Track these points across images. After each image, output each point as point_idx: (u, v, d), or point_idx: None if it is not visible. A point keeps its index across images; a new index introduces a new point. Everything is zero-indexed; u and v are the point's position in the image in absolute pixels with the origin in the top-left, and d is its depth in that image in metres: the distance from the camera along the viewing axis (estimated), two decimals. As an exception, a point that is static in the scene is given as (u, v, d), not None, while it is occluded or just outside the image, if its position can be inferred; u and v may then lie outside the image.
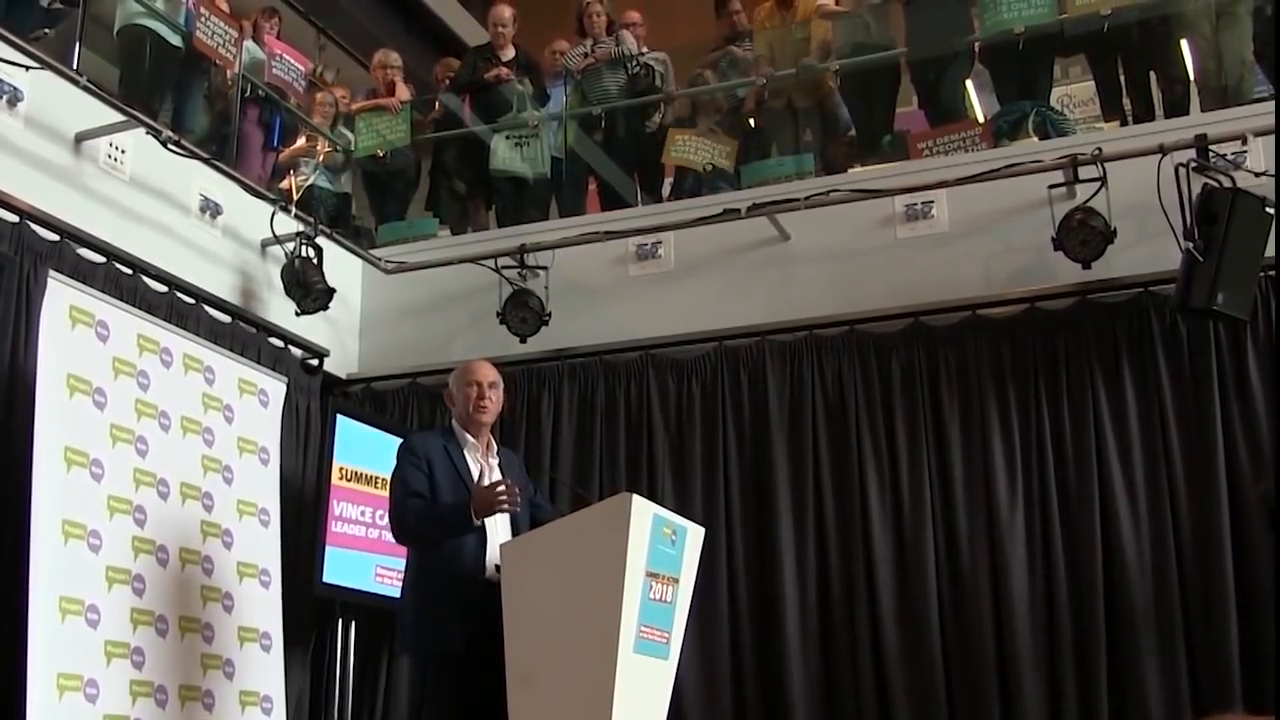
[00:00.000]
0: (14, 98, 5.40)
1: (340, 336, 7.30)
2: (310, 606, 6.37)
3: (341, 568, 6.30)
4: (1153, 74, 6.91)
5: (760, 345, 6.53)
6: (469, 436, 4.85)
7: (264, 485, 6.10)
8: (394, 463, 4.81)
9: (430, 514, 4.62)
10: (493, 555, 4.58)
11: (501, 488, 4.50)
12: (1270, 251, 5.52)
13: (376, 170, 8.24)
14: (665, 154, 7.54)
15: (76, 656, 4.79)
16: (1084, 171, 5.95)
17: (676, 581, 4.54)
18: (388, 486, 4.95)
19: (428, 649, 4.67)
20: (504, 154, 7.80)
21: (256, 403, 6.17)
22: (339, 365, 7.26)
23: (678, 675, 4.77)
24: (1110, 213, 5.82)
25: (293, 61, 7.91)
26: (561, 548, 4.37)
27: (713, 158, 7.33)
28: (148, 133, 5.92)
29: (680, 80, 7.99)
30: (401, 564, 5.31)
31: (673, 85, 7.97)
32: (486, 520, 4.63)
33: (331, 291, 6.58)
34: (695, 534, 4.74)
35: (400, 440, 5.02)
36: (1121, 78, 7.04)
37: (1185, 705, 5.38)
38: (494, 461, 4.86)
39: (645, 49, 7.95)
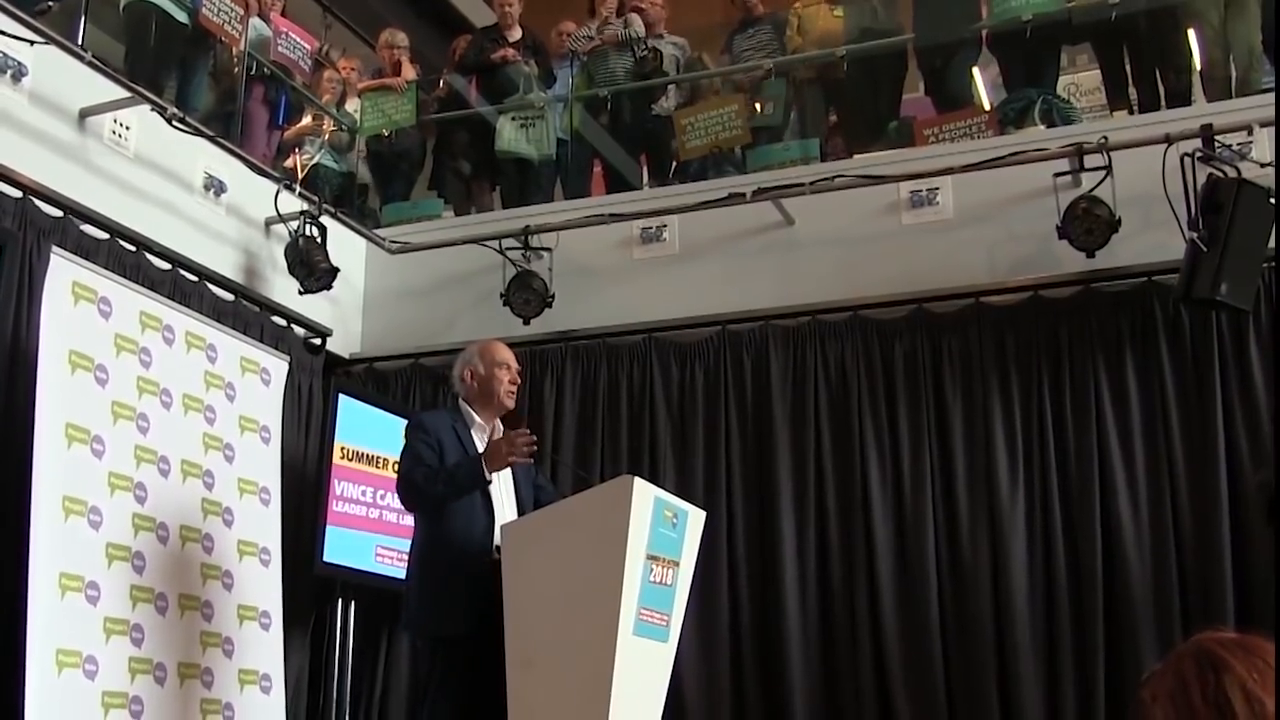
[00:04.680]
0: (18, 73, 5.38)
1: (343, 316, 7.30)
2: (310, 586, 6.38)
3: (342, 547, 6.30)
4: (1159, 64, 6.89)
5: (763, 330, 6.52)
6: (476, 416, 4.85)
7: (265, 464, 6.11)
8: (403, 440, 4.79)
9: (441, 471, 4.60)
10: (499, 536, 4.58)
11: (515, 434, 4.51)
12: (1274, 243, 5.51)
13: (382, 150, 8.22)
14: (680, 148, 7.49)
15: (76, 633, 4.80)
16: (1089, 160, 5.95)
17: (677, 565, 4.55)
18: (394, 466, 4.94)
19: (433, 629, 4.67)
20: (509, 135, 7.79)
21: (258, 381, 6.17)
22: (342, 345, 7.26)
23: (677, 658, 4.78)
24: (1115, 202, 5.81)
25: (298, 40, 7.89)
26: (562, 529, 4.38)
27: (724, 125, 7.27)
28: (152, 110, 5.91)
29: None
30: (403, 544, 5.32)
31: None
32: (494, 501, 4.63)
33: (335, 271, 6.57)
34: (696, 517, 4.74)
35: (403, 421, 5.02)
36: (1128, 67, 7.02)
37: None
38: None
39: (664, 32, 7.92)
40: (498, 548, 4.52)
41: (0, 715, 4.61)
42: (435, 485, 4.58)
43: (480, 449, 4.72)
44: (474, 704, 4.53)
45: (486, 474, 4.53)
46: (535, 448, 4.57)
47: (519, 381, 4.90)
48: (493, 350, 4.91)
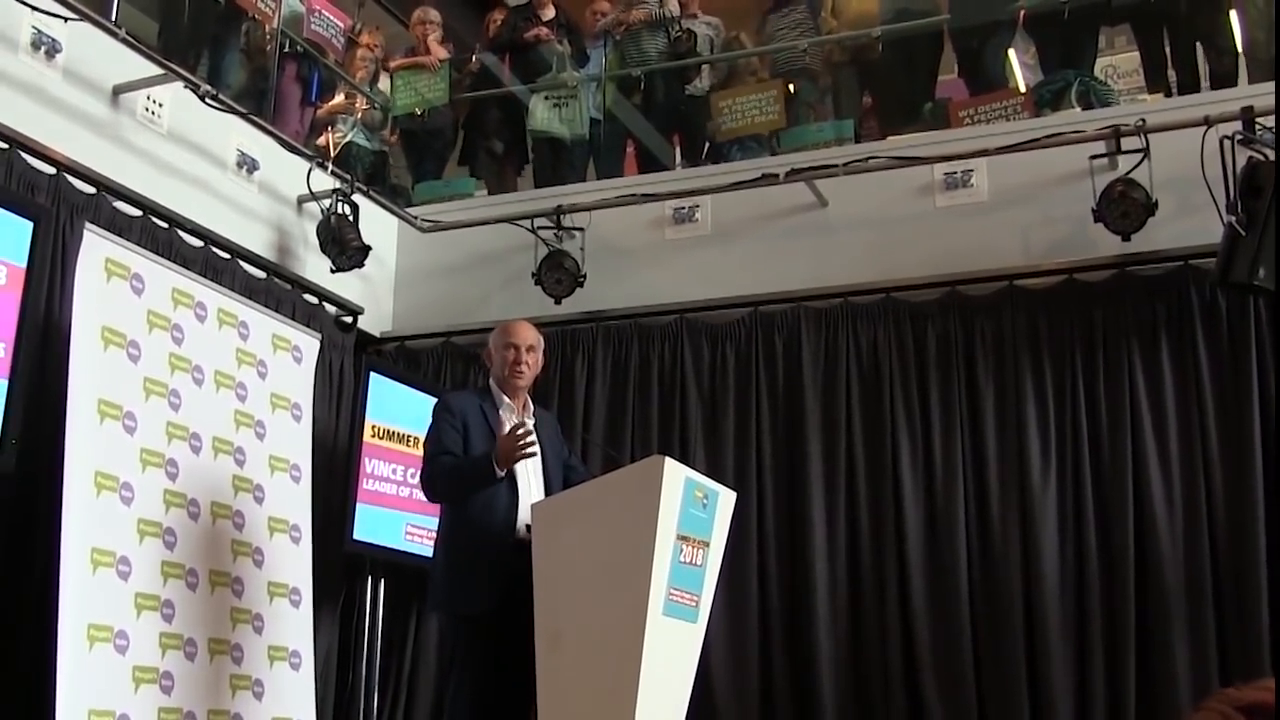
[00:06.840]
0: (52, 49, 5.39)
1: (375, 294, 7.30)
2: (340, 563, 6.40)
3: (372, 525, 6.32)
4: (1199, 45, 6.81)
5: (796, 311, 6.49)
6: (505, 397, 4.84)
7: (296, 441, 6.12)
8: (429, 420, 4.80)
9: (454, 468, 4.62)
10: (524, 515, 4.58)
11: (521, 431, 4.50)
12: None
13: (414, 128, 8.21)
14: (716, 131, 7.46)
15: (107, 608, 4.82)
16: (1126, 143, 5.88)
17: (707, 545, 4.53)
18: (422, 444, 4.95)
19: (459, 608, 4.68)
20: (542, 115, 7.76)
21: (290, 359, 6.18)
22: (373, 323, 7.26)
23: (706, 639, 4.76)
24: (1152, 185, 5.75)
25: (332, 17, 7.86)
26: (593, 509, 4.37)
27: (761, 110, 7.22)
28: (186, 87, 5.90)
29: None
30: (432, 523, 5.32)
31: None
32: (519, 480, 4.64)
33: (367, 249, 6.57)
34: (727, 498, 4.72)
35: (434, 399, 5.02)
36: (1167, 48, 6.95)
37: (1214, 682, 5.35)
38: (530, 422, 4.80)
39: (698, 12, 7.87)
40: (527, 526, 4.53)
41: (33, 688, 4.66)
42: (449, 483, 4.66)
43: (508, 428, 4.71)
44: (498, 682, 4.54)
45: (498, 472, 4.54)
46: (535, 444, 4.56)
47: (523, 360, 4.80)
48: (504, 331, 4.91)
